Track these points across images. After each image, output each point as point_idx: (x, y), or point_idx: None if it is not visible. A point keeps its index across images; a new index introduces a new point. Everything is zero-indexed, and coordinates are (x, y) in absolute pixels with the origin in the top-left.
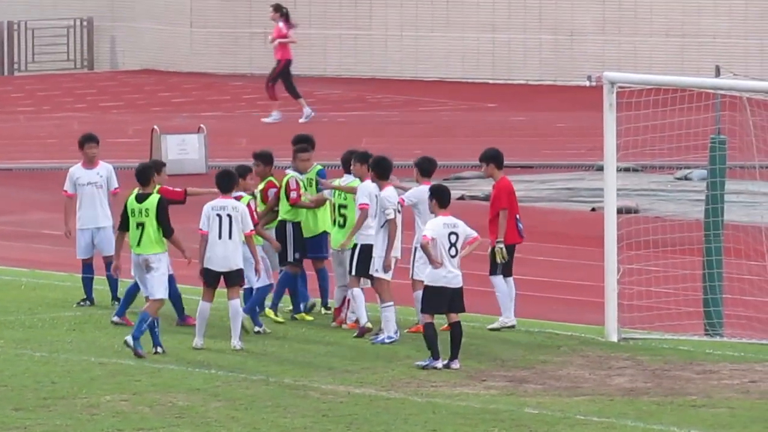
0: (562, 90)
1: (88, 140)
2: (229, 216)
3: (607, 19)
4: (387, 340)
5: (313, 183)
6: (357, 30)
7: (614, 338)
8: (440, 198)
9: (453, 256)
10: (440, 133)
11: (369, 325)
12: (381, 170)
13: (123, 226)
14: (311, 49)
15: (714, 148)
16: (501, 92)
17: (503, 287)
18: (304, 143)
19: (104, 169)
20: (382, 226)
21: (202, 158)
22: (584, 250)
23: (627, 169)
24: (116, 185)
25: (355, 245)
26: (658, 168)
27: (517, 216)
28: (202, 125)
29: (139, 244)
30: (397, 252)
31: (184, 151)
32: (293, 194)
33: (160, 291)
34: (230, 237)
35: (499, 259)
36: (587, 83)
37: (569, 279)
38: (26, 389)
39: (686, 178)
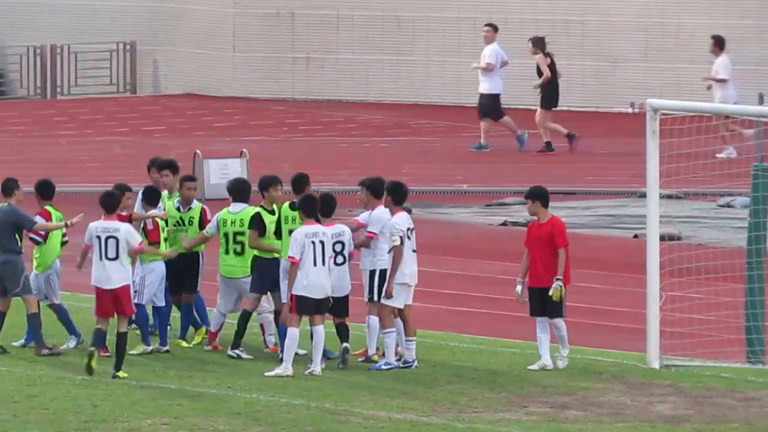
0: (604, 117)
1: (154, 164)
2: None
3: (650, 46)
4: (385, 367)
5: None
6: (399, 56)
7: (656, 365)
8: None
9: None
10: (482, 159)
11: (376, 357)
12: (397, 196)
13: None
14: (353, 74)
15: (757, 175)
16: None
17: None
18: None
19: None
20: (389, 252)
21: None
22: (626, 277)
23: (669, 196)
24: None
25: (373, 271)
26: (701, 195)
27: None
28: (244, 150)
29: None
30: (406, 278)
31: (226, 175)
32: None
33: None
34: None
35: (555, 297)
36: (630, 110)
37: (611, 305)
38: (67, 412)
39: (729, 206)
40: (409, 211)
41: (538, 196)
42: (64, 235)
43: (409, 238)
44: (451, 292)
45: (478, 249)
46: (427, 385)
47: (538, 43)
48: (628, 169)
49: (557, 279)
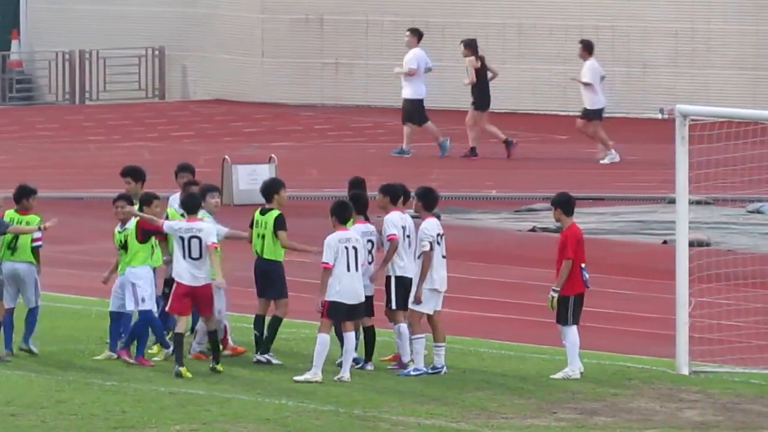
0: (634, 122)
1: (182, 170)
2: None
3: (680, 52)
4: (413, 373)
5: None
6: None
7: (685, 371)
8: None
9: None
10: (511, 164)
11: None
12: (428, 201)
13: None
14: (382, 80)
15: None
16: (572, 124)
17: (574, 337)
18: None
19: None
20: (418, 257)
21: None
22: (655, 283)
23: (699, 202)
24: None
25: (389, 278)
26: (730, 201)
27: (582, 265)
28: (272, 155)
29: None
30: (435, 284)
31: (255, 181)
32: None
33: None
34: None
35: (548, 307)
36: (659, 116)
37: (640, 311)
38: (96, 418)
39: (758, 212)
40: (438, 217)
41: (560, 204)
42: (34, 240)
43: (438, 243)
44: (480, 297)
45: (507, 255)
46: (456, 391)
47: (470, 46)
48: (658, 175)
49: (553, 289)
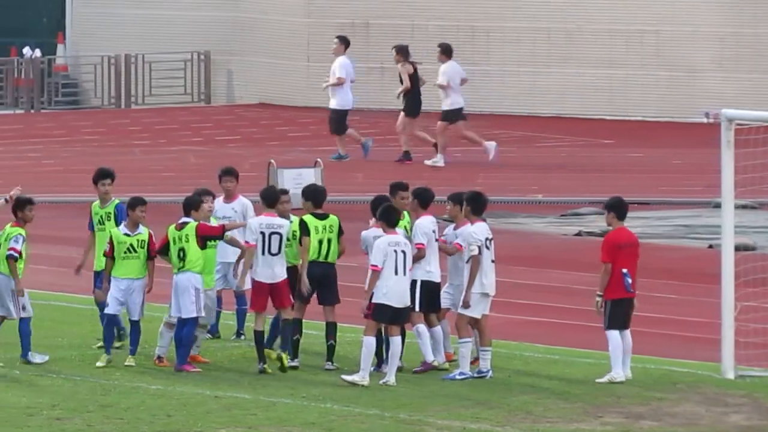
0: (679, 127)
1: (225, 174)
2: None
3: (725, 56)
4: (459, 377)
5: (112, 216)
6: (473, 65)
7: (731, 375)
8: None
9: None
10: (557, 169)
11: (436, 363)
12: (476, 205)
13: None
14: (427, 84)
15: None
16: (618, 129)
17: (615, 341)
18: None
19: (239, 204)
20: (467, 262)
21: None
22: (701, 287)
23: (744, 207)
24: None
25: (415, 281)
26: None
27: (624, 271)
28: (318, 159)
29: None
30: (485, 288)
31: (300, 185)
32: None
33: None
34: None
35: (597, 311)
36: (705, 120)
37: (686, 316)
38: (141, 422)
39: None
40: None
41: (612, 207)
42: (9, 250)
43: (487, 248)
44: (526, 302)
45: (552, 259)
46: (502, 395)
47: (402, 52)
48: (703, 180)
49: (597, 294)
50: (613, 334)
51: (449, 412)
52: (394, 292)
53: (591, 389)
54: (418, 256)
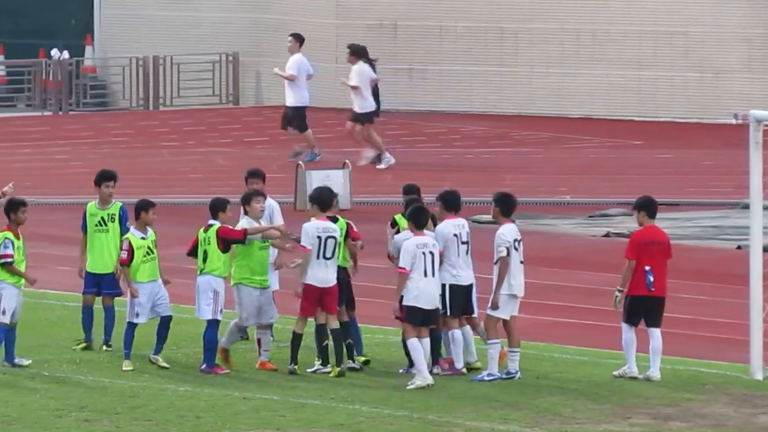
0: (707, 128)
1: (252, 176)
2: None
3: (753, 57)
4: (487, 378)
5: (116, 218)
6: (502, 67)
7: (759, 376)
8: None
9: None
10: (585, 170)
11: (464, 370)
12: (505, 207)
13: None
14: (456, 85)
15: None
16: (646, 130)
17: (626, 335)
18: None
19: (267, 205)
20: (495, 263)
21: (347, 194)
22: (729, 288)
23: None
24: (280, 222)
25: (443, 285)
26: None
27: (647, 268)
28: (346, 161)
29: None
30: (514, 289)
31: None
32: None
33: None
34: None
35: (614, 305)
36: (733, 121)
37: (714, 317)
38: (170, 424)
39: None
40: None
41: (642, 206)
42: (1, 257)
43: (516, 249)
44: (554, 303)
45: (580, 260)
46: (530, 396)
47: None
48: (731, 181)
49: (618, 289)
50: (625, 329)
51: (478, 413)
52: (424, 294)
53: (619, 390)
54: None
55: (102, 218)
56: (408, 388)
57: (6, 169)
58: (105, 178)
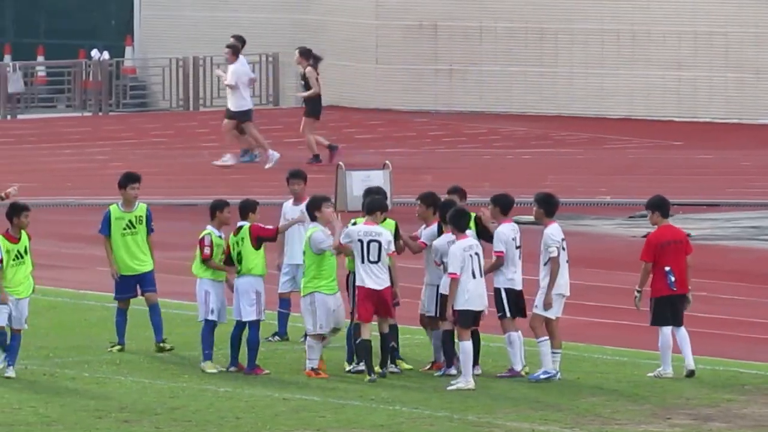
0: (747, 128)
1: (293, 176)
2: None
3: None
4: (543, 376)
5: (144, 220)
6: (542, 67)
7: None
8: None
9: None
10: (625, 170)
11: (523, 372)
12: (549, 207)
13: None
14: (496, 86)
15: None
16: (686, 130)
17: (663, 337)
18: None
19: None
20: (545, 264)
21: (388, 194)
22: None
23: None
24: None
25: (499, 290)
26: None
27: (667, 269)
28: (387, 161)
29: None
30: (561, 288)
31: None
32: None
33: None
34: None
35: (635, 305)
36: None
37: (754, 317)
38: (210, 424)
39: None
40: None
41: (656, 207)
42: None
43: (564, 249)
44: (595, 303)
45: (620, 261)
46: (570, 397)
47: (306, 54)
48: None
49: (636, 290)
50: (662, 331)
51: (518, 414)
52: (474, 296)
53: (660, 391)
54: (497, 264)
55: (130, 221)
56: (449, 389)
57: (47, 170)
58: (131, 179)
